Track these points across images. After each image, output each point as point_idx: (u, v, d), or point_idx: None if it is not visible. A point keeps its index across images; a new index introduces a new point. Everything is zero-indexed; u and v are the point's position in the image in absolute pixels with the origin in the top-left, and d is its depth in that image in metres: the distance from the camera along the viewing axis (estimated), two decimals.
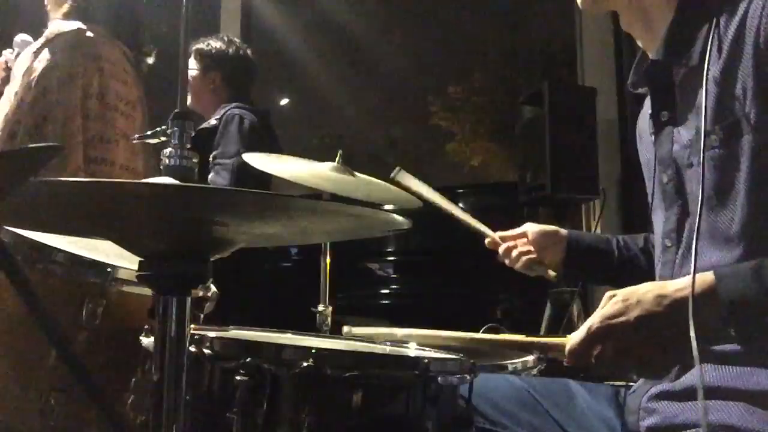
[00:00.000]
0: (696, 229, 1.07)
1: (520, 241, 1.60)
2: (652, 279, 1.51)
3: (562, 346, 1.10)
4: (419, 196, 1.75)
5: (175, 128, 0.94)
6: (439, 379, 1.05)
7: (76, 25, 2.37)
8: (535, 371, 1.56)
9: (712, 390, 1.06)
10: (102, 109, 2.28)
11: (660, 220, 1.25)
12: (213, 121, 2.98)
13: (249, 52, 3.13)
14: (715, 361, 1.08)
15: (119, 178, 2.27)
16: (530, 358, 1.52)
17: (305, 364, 0.99)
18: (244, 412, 0.99)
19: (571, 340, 1.07)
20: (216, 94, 3.04)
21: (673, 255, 1.20)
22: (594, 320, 1.05)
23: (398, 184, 1.76)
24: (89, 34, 2.36)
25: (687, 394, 1.10)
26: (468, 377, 1.09)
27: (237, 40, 3.14)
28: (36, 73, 2.28)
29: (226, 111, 2.94)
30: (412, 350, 1.31)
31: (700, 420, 1.05)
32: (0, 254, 0.85)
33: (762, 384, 1.04)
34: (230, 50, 3.06)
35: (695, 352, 0.94)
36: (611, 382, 1.60)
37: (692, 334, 0.94)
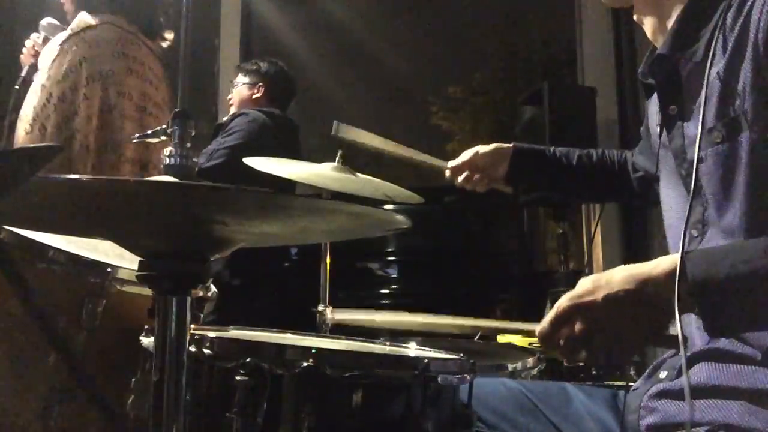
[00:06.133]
0: (686, 220, 1.08)
1: (473, 165, 1.78)
2: (614, 188, 1.66)
3: (533, 332, 1.09)
4: (364, 147, 1.82)
5: (175, 127, 0.94)
6: (439, 379, 1.05)
7: (103, 18, 2.33)
8: (534, 371, 1.56)
9: (713, 389, 1.06)
10: (133, 110, 2.27)
11: (679, 204, 1.25)
12: (225, 118, 3.29)
13: (290, 75, 3.56)
14: (714, 360, 1.08)
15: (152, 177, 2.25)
16: (530, 359, 1.52)
17: (305, 364, 0.99)
18: (244, 412, 0.99)
19: (542, 322, 1.07)
20: (257, 104, 3.37)
21: (697, 245, 1.20)
22: (562, 301, 1.05)
23: (341, 140, 1.82)
24: (116, 30, 2.32)
25: None
26: (468, 377, 1.09)
27: (281, 63, 3.54)
28: (64, 67, 2.25)
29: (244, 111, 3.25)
30: (412, 350, 1.31)
31: (701, 419, 1.05)
32: None
33: (763, 383, 1.04)
34: (273, 68, 3.47)
35: (679, 334, 0.95)
36: (610, 382, 1.60)
37: (677, 319, 0.95)
